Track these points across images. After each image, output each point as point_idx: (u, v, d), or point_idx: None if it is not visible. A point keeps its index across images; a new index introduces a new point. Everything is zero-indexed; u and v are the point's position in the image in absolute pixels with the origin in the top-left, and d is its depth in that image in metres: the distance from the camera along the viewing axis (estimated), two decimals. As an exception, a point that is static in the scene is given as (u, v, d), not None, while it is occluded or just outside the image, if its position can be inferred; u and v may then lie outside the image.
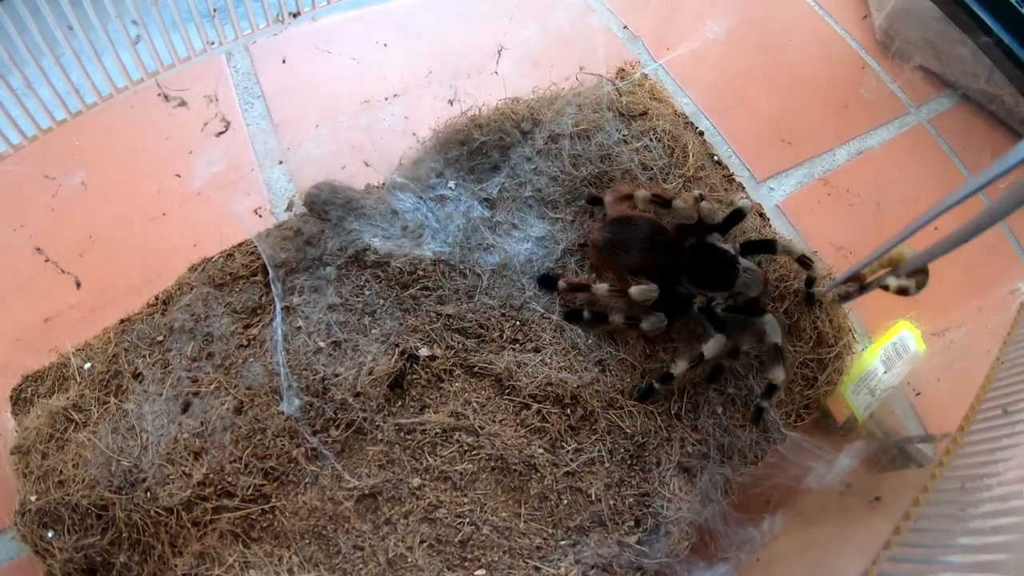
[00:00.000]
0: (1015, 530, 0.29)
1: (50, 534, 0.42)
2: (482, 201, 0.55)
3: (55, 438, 0.45)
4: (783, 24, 0.79)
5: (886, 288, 0.49)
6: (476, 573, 0.43)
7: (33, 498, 0.43)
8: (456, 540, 0.44)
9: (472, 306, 0.51)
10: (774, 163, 0.69)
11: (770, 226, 0.61)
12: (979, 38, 0.57)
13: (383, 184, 0.57)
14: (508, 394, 0.49)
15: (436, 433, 0.47)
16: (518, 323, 0.51)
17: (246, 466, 0.45)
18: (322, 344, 0.49)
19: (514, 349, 0.50)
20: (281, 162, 0.62)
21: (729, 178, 0.62)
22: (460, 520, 0.45)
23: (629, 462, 0.48)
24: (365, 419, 0.47)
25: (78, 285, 0.54)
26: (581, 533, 0.45)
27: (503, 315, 0.51)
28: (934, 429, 0.56)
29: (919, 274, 0.48)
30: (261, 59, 0.67)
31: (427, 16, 0.72)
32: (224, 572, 0.42)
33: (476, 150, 0.57)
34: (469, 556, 0.44)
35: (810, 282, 0.54)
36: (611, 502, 0.46)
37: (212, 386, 0.47)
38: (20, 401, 0.48)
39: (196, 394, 0.47)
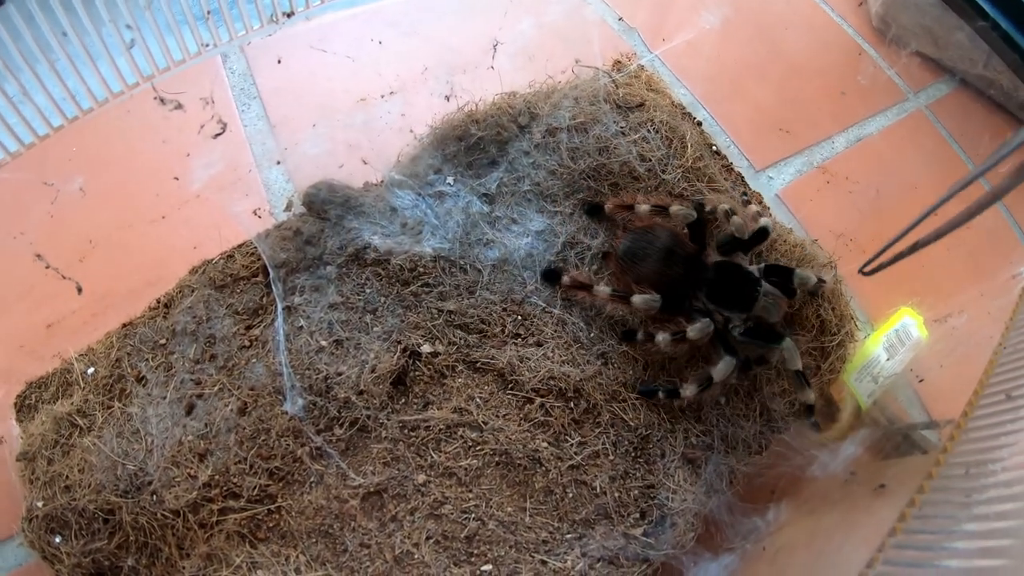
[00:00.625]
0: (1020, 515, 0.29)
1: (57, 539, 0.42)
2: (481, 196, 0.55)
3: (60, 444, 0.45)
4: (778, 12, 0.79)
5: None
6: (483, 568, 0.43)
7: (40, 504, 0.43)
8: (462, 536, 0.44)
9: (473, 301, 0.51)
10: (773, 152, 0.69)
11: (770, 215, 0.61)
12: (976, 23, 0.57)
13: (381, 182, 0.57)
14: (511, 389, 0.49)
15: (440, 429, 0.47)
16: (520, 318, 0.51)
17: (251, 467, 0.45)
18: (324, 343, 0.49)
19: (516, 344, 0.50)
20: (279, 162, 0.61)
21: (728, 168, 0.62)
22: (466, 516, 0.45)
23: (633, 454, 0.48)
24: (369, 417, 0.47)
25: (79, 290, 0.55)
26: (587, 526, 0.46)
27: (504, 310, 0.51)
28: (938, 416, 0.56)
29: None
30: (257, 60, 0.66)
31: (421, 13, 0.71)
32: (231, 573, 0.42)
33: (473, 146, 0.57)
34: (475, 551, 0.44)
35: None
36: (616, 495, 0.46)
37: (215, 388, 0.47)
38: (25, 408, 0.48)
39: (200, 396, 0.47)
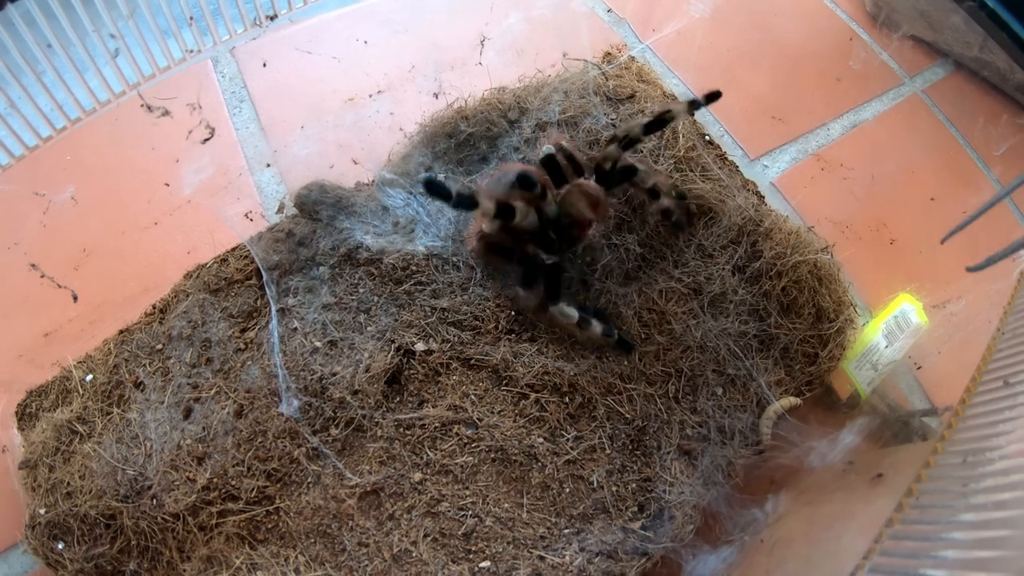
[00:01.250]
0: (1017, 505, 0.29)
1: (60, 545, 0.43)
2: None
3: (61, 451, 0.46)
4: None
5: None
6: (481, 565, 0.43)
7: (42, 511, 0.43)
8: (460, 533, 0.44)
9: (467, 298, 0.51)
10: (767, 140, 0.68)
11: (766, 204, 0.61)
12: (964, 2, 0.56)
13: (372, 181, 0.57)
14: (506, 385, 0.49)
15: (435, 427, 0.47)
16: (513, 313, 0.51)
17: (249, 469, 0.45)
18: (318, 344, 0.49)
19: (510, 340, 0.50)
20: (269, 165, 0.61)
21: (722, 157, 0.61)
22: (463, 513, 0.45)
23: (630, 447, 0.48)
24: (364, 416, 0.47)
25: (75, 298, 0.55)
26: (585, 521, 0.46)
27: (498, 306, 0.51)
28: (938, 402, 0.56)
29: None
30: (246, 63, 0.66)
31: (407, 11, 0.71)
32: (232, 575, 0.43)
33: (464, 142, 0.56)
34: (473, 548, 0.44)
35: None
36: (613, 488, 0.46)
37: (212, 391, 0.48)
38: (26, 416, 0.49)
39: (197, 400, 0.47)
